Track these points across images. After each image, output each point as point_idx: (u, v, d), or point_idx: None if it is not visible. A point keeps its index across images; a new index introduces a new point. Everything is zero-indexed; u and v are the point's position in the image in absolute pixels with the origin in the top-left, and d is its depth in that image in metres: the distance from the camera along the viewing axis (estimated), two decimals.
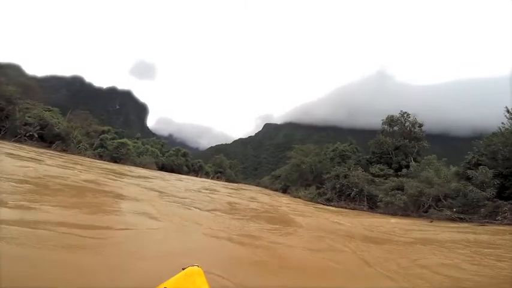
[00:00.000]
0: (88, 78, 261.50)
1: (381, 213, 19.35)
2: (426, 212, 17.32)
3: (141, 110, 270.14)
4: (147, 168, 53.95)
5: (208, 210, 10.19)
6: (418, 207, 17.93)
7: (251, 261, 4.96)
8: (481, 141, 20.68)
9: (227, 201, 15.66)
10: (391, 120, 35.77)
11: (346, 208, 21.71)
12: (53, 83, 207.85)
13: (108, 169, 24.30)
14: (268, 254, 5.58)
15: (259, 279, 4.05)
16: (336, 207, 22.45)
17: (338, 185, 24.58)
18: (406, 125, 35.25)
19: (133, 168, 43.90)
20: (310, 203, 25.61)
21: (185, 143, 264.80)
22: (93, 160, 39.99)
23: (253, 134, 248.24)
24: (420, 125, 34.76)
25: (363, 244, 7.72)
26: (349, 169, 26.64)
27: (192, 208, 10.27)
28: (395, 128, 35.90)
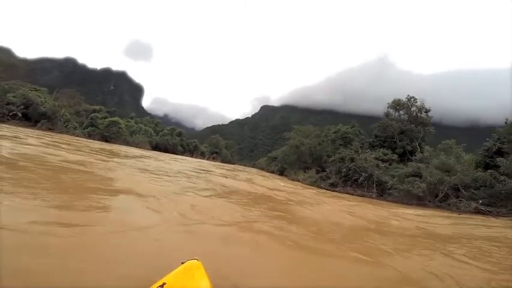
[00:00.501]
0: (81, 60, 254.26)
1: (392, 201, 17.90)
2: (442, 201, 15.93)
3: (137, 90, 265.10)
4: (140, 147, 51.93)
5: (206, 196, 9.02)
6: (435, 196, 16.49)
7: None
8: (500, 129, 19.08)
9: (225, 184, 14.05)
10: (397, 104, 33.91)
11: (352, 194, 20.12)
12: (45, 65, 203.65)
13: (96, 149, 22.32)
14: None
15: None
16: (341, 192, 20.87)
17: (344, 169, 22.87)
18: (412, 109, 33.52)
19: (125, 147, 41.87)
20: (310, 187, 24.15)
21: (181, 123, 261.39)
22: (81, 139, 37.77)
23: (249, 116, 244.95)
24: (427, 110, 33.00)
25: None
26: (356, 152, 24.96)
27: (188, 194, 8.97)
28: (401, 112, 34.21)
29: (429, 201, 16.34)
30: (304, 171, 33.99)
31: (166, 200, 6.94)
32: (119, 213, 5.20)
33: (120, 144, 46.70)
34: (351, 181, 22.05)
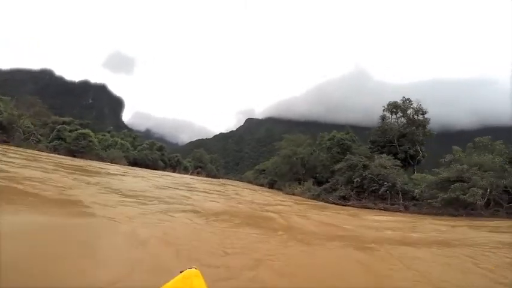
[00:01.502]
0: (59, 72, 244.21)
1: (429, 213, 14.45)
2: (495, 209, 12.71)
3: (117, 104, 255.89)
4: (115, 163, 46.45)
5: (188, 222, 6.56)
6: (487, 203, 13.21)
7: None
8: None
9: (212, 206, 10.15)
10: (393, 107, 31.56)
11: (373, 209, 16.61)
12: (19, 76, 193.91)
13: (52, 163, 17.62)
14: None
15: None
16: (357, 207, 17.23)
17: (357, 179, 19.28)
18: (408, 112, 31.29)
19: (96, 163, 36.67)
20: (313, 201, 20.44)
21: (164, 138, 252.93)
22: (42, 153, 32.26)
23: (234, 129, 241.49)
24: (423, 112, 30.82)
25: None
26: (367, 158, 21.62)
27: (165, 221, 6.51)
28: (398, 115, 31.87)
29: (481, 210, 13.01)
30: (299, 183, 30.31)
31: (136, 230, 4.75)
32: None
33: (91, 159, 41.17)
34: (367, 192, 18.41)
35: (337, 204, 18.30)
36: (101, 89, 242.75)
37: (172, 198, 10.92)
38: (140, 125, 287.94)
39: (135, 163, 56.47)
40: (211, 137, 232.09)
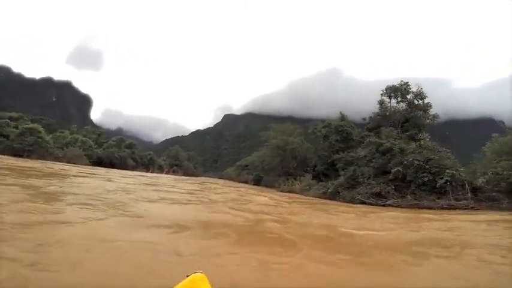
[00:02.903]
0: (16, 69, 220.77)
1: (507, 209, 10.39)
2: None
3: (84, 102, 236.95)
4: (73, 163, 39.01)
5: None
6: None
7: None
8: None
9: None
10: (392, 91, 27.99)
11: (433, 208, 11.89)
12: None
13: None
14: None
15: None
16: (404, 207, 12.61)
17: (399, 168, 14.47)
18: (408, 96, 27.92)
19: (44, 163, 29.52)
20: (325, 201, 15.89)
21: (137, 137, 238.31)
22: None
23: (212, 126, 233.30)
24: (423, 97, 27.55)
25: None
26: (400, 138, 17.22)
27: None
28: (397, 100, 28.41)
29: None
30: (294, 179, 25.72)
31: None
32: None
33: (41, 159, 33.62)
34: (414, 185, 13.92)
35: (372, 204, 13.65)
36: (66, 86, 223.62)
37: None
38: (111, 124, 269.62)
39: (99, 162, 48.85)
40: (187, 134, 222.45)
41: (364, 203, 14.00)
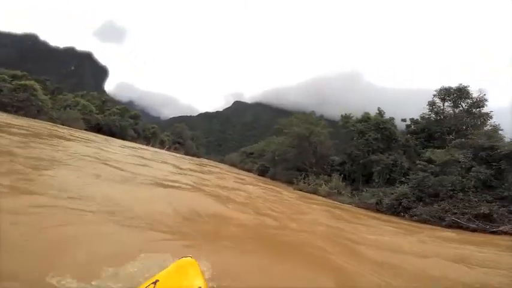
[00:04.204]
0: (44, 37, 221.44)
1: None
2: None
3: (101, 73, 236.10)
4: (68, 126, 34.95)
5: None
6: None
7: None
8: None
9: None
10: (446, 94, 22.79)
11: None
12: None
13: None
14: None
15: None
16: None
17: None
18: (462, 103, 22.65)
19: (31, 120, 25.41)
20: (386, 217, 11.35)
21: (145, 111, 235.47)
22: None
23: (221, 110, 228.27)
24: (481, 105, 22.14)
25: None
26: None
27: None
28: (448, 104, 23.20)
29: None
30: (306, 176, 21.02)
31: None
32: None
33: (29, 117, 29.49)
34: None
35: (476, 230, 8.94)
36: (86, 57, 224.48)
37: None
38: (123, 96, 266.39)
39: (98, 129, 44.80)
40: (195, 115, 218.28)
41: (460, 227, 9.34)
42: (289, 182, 24.55)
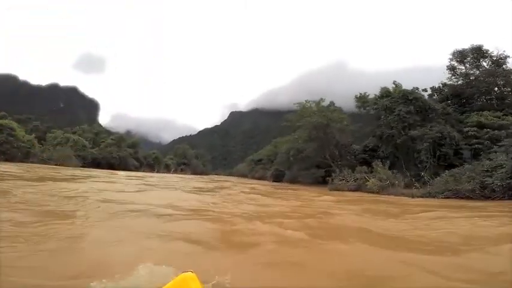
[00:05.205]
0: (23, 76, 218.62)
1: None
2: None
3: (91, 106, 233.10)
4: (62, 165, 31.71)
5: None
6: None
7: None
8: None
9: None
10: (462, 56, 19.78)
11: None
12: None
13: None
14: None
15: None
16: None
17: None
18: (484, 62, 19.58)
19: (13, 166, 22.07)
20: None
21: (146, 138, 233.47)
22: None
23: (219, 123, 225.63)
24: (501, 63, 19.11)
25: None
26: None
27: None
28: (466, 66, 20.10)
29: None
30: (333, 172, 17.29)
31: None
32: None
33: (11, 161, 26.22)
34: None
35: None
36: (72, 92, 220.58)
37: None
38: (120, 127, 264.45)
39: (97, 164, 41.54)
40: (195, 133, 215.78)
41: None
42: (317, 183, 20.85)
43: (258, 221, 5.02)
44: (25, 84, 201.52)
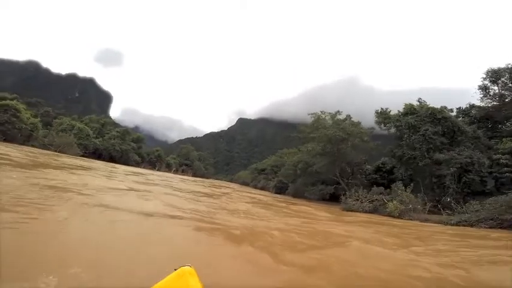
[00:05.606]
0: (46, 64, 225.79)
1: None
2: None
3: (104, 98, 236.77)
4: (62, 152, 30.81)
5: None
6: None
7: None
8: None
9: None
10: (495, 75, 18.33)
11: None
12: (1, 68, 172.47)
13: None
14: None
15: None
16: None
17: None
18: None
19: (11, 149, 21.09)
20: None
21: (152, 136, 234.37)
22: None
23: (226, 129, 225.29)
24: None
25: None
26: None
27: None
28: (500, 87, 18.62)
29: None
30: (344, 191, 15.84)
31: None
32: None
33: (11, 142, 25.39)
34: None
35: None
36: (89, 83, 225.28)
37: None
38: (129, 122, 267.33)
39: (98, 154, 40.63)
40: (201, 135, 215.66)
41: None
42: (322, 200, 19.28)
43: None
44: (46, 72, 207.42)
